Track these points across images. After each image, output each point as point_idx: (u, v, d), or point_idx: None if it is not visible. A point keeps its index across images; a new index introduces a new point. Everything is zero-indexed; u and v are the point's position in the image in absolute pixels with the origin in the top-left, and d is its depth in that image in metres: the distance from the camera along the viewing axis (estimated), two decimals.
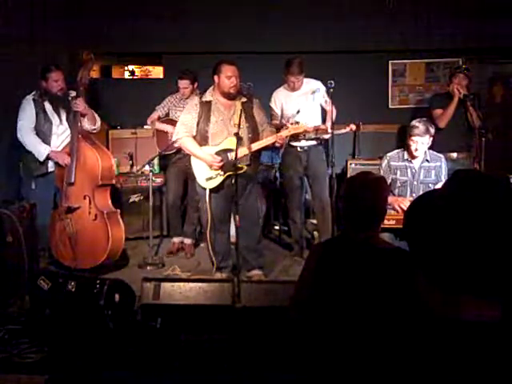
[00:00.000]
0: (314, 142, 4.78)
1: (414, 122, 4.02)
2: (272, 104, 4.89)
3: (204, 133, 4.11)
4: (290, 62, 4.72)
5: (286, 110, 4.81)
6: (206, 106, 4.12)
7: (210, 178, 4.14)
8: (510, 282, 0.87)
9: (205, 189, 4.17)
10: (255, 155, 4.20)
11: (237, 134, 3.93)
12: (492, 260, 0.86)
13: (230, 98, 4.13)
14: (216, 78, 4.10)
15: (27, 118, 4.56)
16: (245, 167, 4.06)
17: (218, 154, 4.08)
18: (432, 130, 4.00)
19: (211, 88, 4.20)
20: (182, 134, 4.17)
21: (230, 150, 4.03)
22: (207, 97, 4.17)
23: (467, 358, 0.89)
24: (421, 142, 3.94)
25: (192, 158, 4.23)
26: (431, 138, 4.00)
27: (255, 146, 4.11)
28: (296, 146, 4.80)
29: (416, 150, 3.96)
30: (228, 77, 4.04)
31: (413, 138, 3.95)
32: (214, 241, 4.28)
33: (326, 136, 4.78)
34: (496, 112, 5.97)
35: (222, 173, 4.10)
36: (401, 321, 1.20)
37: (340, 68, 5.78)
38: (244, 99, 4.17)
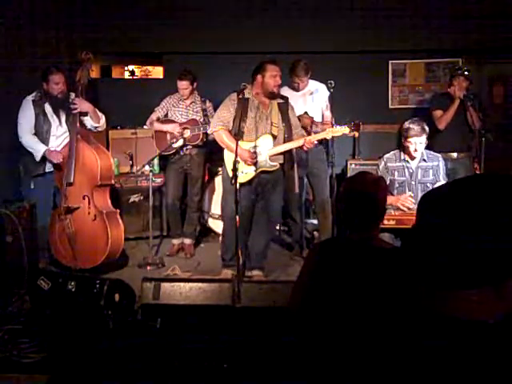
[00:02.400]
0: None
1: (407, 124, 3.99)
2: None
3: (240, 128, 4.15)
4: (296, 64, 4.72)
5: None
6: (244, 103, 4.15)
7: (241, 173, 4.16)
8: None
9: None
10: (289, 156, 4.25)
11: (236, 135, 3.95)
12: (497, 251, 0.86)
13: (270, 98, 4.18)
14: (259, 77, 4.14)
15: (26, 119, 4.56)
16: (277, 165, 4.17)
17: (251, 149, 4.14)
18: (427, 129, 3.99)
19: (250, 86, 4.25)
20: (218, 127, 4.22)
21: (264, 147, 4.12)
22: (246, 94, 4.20)
23: (467, 358, 0.89)
24: (419, 142, 3.94)
25: (225, 152, 4.28)
26: (426, 137, 4.00)
27: (280, 148, 4.15)
28: None
29: (415, 150, 3.96)
30: (273, 76, 4.10)
31: (410, 139, 3.94)
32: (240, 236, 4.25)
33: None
34: (496, 112, 5.96)
35: (254, 169, 4.16)
36: (400, 321, 1.20)
37: (340, 68, 5.78)
38: (281, 100, 4.24)
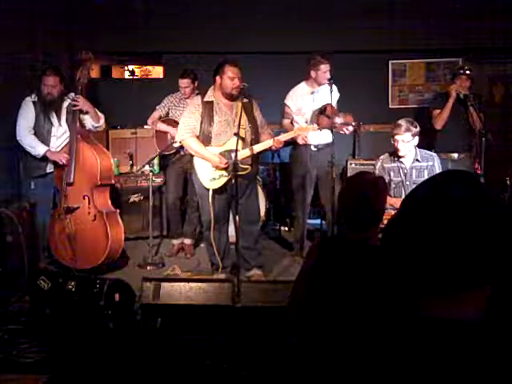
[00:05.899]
0: (328, 141, 4.63)
1: (397, 122, 4.00)
2: (288, 101, 4.76)
3: (207, 133, 4.08)
4: (312, 55, 4.64)
5: (304, 107, 4.74)
6: (208, 107, 4.09)
7: (214, 179, 4.12)
8: (495, 274, 0.87)
9: (207, 189, 4.16)
10: (256, 156, 4.20)
11: (236, 134, 3.92)
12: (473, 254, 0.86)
13: (232, 99, 4.11)
14: (218, 78, 4.06)
15: (26, 120, 4.54)
16: (248, 168, 4.07)
17: (222, 154, 4.06)
18: (414, 129, 3.92)
19: (211, 88, 4.17)
20: (186, 135, 4.13)
21: (234, 151, 4.03)
22: (209, 97, 4.14)
23: (457, 358, 0.89)
24: (401, 140, 3.91)
25: (195, 159, 4.18)
26: (416, 137, 3.93)
27: (257, 149, 4.10)
28: (310, 145, 4.67)
29: (398, 149, 3.95)
30: (230, 78, 4.01)
31: (395, 136, 3.94)
32: (219, 241, 4.27)
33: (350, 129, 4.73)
34: (496, 112, 5.96)
35: (226, 174, 4.07)
36: (396, 321, 1.20)
37: (340, 68, 5.77)
38: (245, 100, 4.13)
